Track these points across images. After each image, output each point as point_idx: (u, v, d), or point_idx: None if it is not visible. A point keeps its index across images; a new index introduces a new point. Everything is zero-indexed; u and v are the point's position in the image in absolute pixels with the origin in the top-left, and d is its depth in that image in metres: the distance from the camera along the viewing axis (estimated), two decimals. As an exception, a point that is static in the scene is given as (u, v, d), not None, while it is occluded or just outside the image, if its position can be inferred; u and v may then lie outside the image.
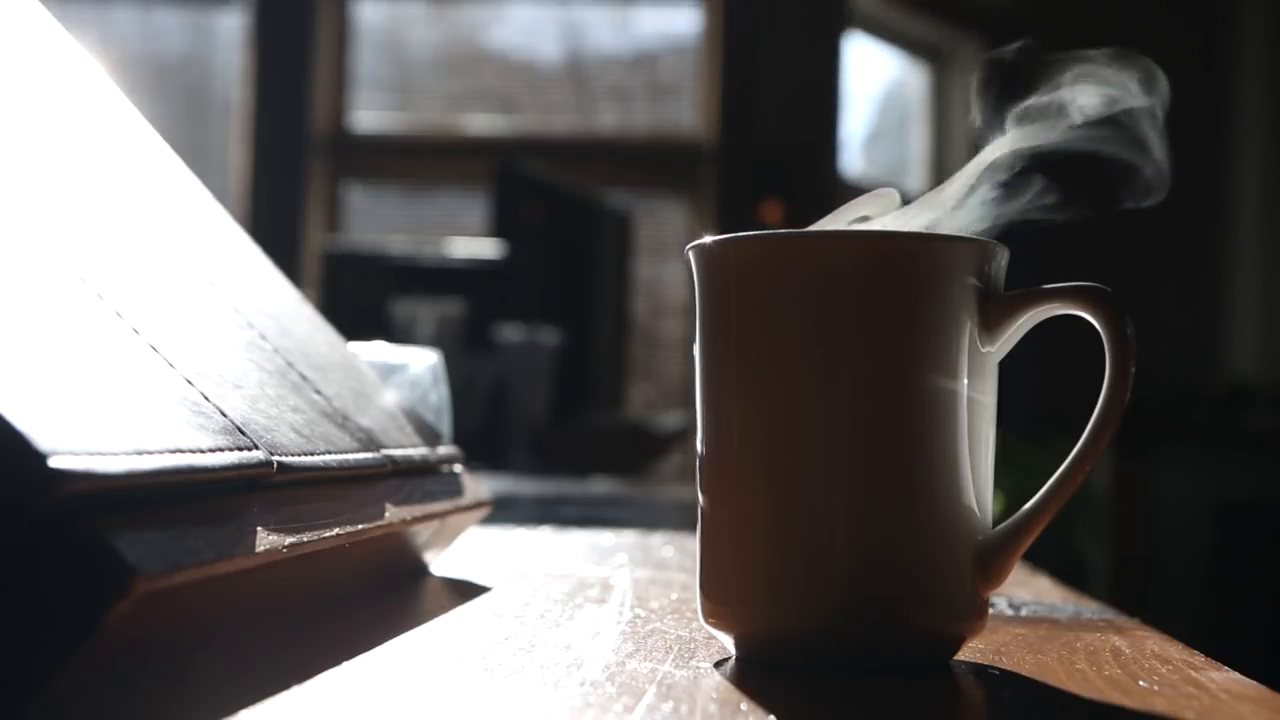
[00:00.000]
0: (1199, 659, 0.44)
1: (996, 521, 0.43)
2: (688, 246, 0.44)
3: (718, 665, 0.41)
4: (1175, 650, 0.46)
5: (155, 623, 0.34)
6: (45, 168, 0.47)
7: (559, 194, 2.69)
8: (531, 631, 0.46)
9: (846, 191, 3.55)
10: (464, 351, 2.03)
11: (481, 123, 3.68)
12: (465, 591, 0.56)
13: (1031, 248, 0.46)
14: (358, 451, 0.51)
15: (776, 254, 0.42)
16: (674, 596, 0.56)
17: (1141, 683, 0.40)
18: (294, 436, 0.45)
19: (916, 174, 3.89)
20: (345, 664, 0.39)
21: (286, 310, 0.61)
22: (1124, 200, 0.44)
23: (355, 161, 3.66)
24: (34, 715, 0.30)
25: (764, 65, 3.52)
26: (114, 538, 0.31)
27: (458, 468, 0.66)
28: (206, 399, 0.41)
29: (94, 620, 0.30)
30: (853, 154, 3.84)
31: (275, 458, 0.42)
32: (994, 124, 0.44)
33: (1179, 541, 3.28)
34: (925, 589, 0.41)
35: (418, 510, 0.55)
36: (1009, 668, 0.42)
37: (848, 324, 0.41)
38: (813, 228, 0.44)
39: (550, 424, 2.22)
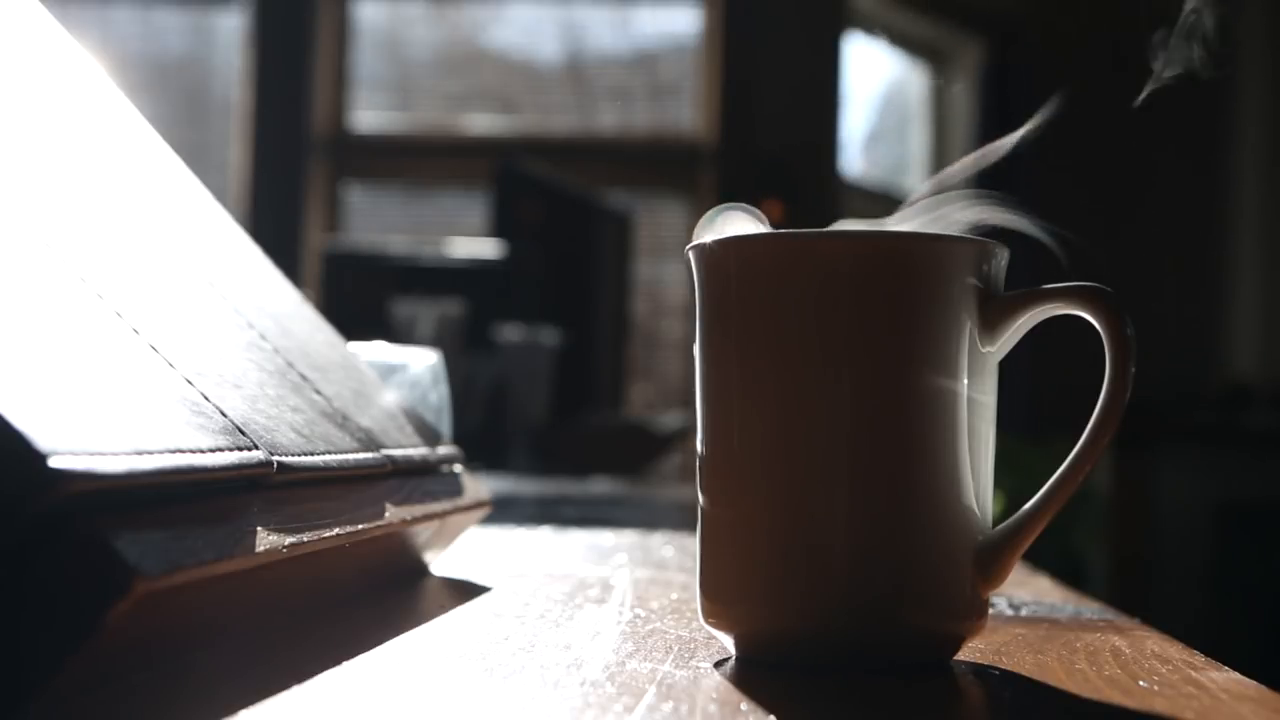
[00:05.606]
0: (1199, 659, 0.44)
1: (996, 521, 0.43)
2: (688, 247, 0.44)
3: (718, 665, 0.41)
4: (1175, 650, 0.46)
5: (155, 623, 0.34)
6: (45, 168, 0.47)
7: (559, 194, 2.69)
8: (531, 631, 0.46)
9: (847, 192, 3.55)
10: (464, 351, 2.03)
11: (481, 123, 3.68)
12: (465, 591, 0.56)
13: (1031, 247, 0.46)
14: (358, 451, 0.51)
15: (776, 254, 0.42)
16: (674, 596, 0.56)
17: (1141, 683, 0.40)
18: (294, 436, 0.45)
19: (916, 174, 3.89)
20: (345, 664, 0.39)
21: (286, 310, 0.61)
22: None
23: (355, 161, 3.66)
24: (34, 715, 0.30)
25: (764, 65, 3.52)
26: (114, 538, 0.31)
27: (458, 468, 0.66)
28: (206, 399, 0.41)
29: (94, 620, 0.30)
30: (853, 154, 3.84)
31: (275, 458, 0.42)
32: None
33: (1179, 541, 3.28)
34: (925, 589, 0.41)
35: (418, 510, 0.55)
36: (1009, 668, 0.42)
37: (848, 324, 0.41)
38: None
39: (550, 424, 2.22)
